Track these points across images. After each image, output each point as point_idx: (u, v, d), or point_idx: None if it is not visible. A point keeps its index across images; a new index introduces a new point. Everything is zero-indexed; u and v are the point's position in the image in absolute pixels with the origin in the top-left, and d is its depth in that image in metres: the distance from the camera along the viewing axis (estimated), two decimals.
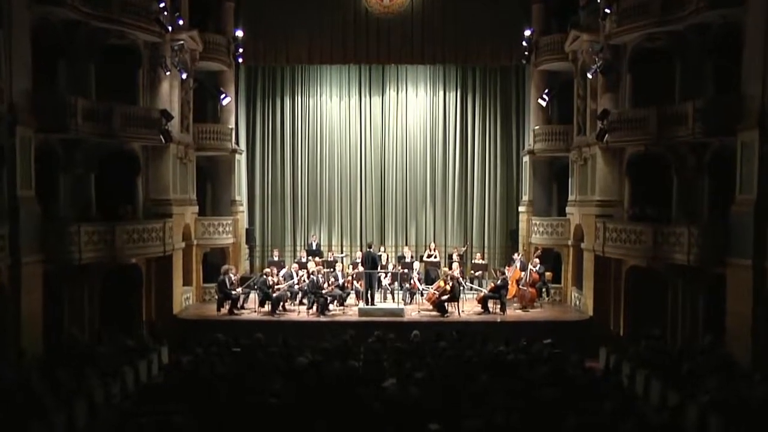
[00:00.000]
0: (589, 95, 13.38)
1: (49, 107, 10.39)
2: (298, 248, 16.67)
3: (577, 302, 13.92)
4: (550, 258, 14.76)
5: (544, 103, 14.95)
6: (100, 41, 11.86)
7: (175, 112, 13.17)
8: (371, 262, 12.98)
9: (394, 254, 16.42)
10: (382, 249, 15.75)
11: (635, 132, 11.77)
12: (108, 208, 11.98)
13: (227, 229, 14.87)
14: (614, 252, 12.10)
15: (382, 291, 13.85)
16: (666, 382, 8.56)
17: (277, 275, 13.32)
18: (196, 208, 14.50)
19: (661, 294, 11.83)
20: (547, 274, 14.04)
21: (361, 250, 16.30)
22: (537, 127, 15.21)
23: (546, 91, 14.88)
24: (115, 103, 11.69)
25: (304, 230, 17.00)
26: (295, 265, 14.03)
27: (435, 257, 15.41)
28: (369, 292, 12.86)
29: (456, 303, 12.82)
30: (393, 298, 13.82)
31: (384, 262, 14.38)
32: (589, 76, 13.06)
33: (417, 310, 13.06)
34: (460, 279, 13.26)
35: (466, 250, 15.64)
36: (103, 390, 8.40)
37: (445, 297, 12.69)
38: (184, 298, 13.78)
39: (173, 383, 7.68)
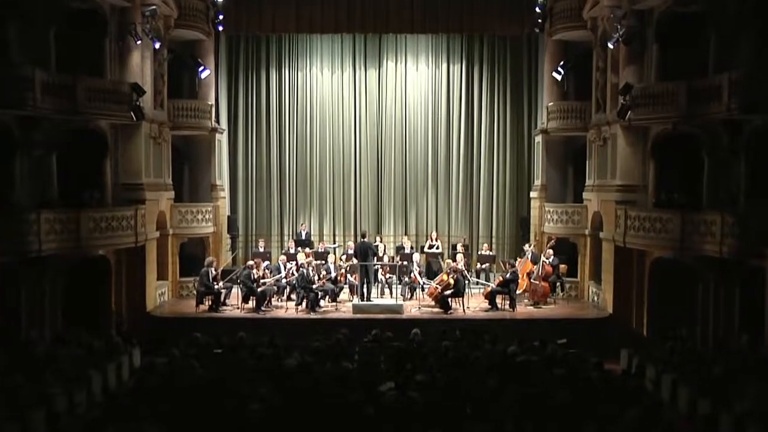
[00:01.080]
0: (610, 68, 13.27)
1: (1, 80, 10.13)
2: (285, 238, 16.68)
3: (595, 298, 13.91)
4: (565, 249, 14.72)
5: (559, 77, 14.86)
6: (61, 4, 11.62)
7: (148, 86, 13.03)
8: (366, 252, 12.93)
9: (392, 245, 16.43)
10: (379, 239, 15.72)
11: (662, 108, 11.68)
12: (72, 194, 11.84)
13: (207, 216, 14.80)
14: (637, 242, 12.06)
15: (379, 285, 13.85)
16: (696, 388, 8.50)
17: (263, 268, 13.30)
18: (171, 194, 14.42)
19: (690, 289, 11.79)
20: (562, 266, 13.97)
21: (355, 240, 16.28)
22: (551, 104, 15.13)
23: (561, 63, 14.78)
24: (79, 75, 11.49)
25: (292, 218, 17.00)
26: (283, 257, 14.01)
27: (437, 248, 15.42)
28: (367, 287, 12.84)
29: (460, 299, 12.84)
30: (391, 293, 13.83)
31: (381, 254, 14.37)
32: (610, 46, 12.96)
33: (417, 306, 13.08)
34: (465, 272, 13.25)
35: (465, 244, 15.62)
36: (66, 398, 8.26)
37: (448, 292, 12.70)
38: (159, 294, 13.74)
39: (146, 389, 7.60)
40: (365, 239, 13.41)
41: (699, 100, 11.14)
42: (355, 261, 13.41)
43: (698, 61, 11.74)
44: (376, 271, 13.61)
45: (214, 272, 12.89)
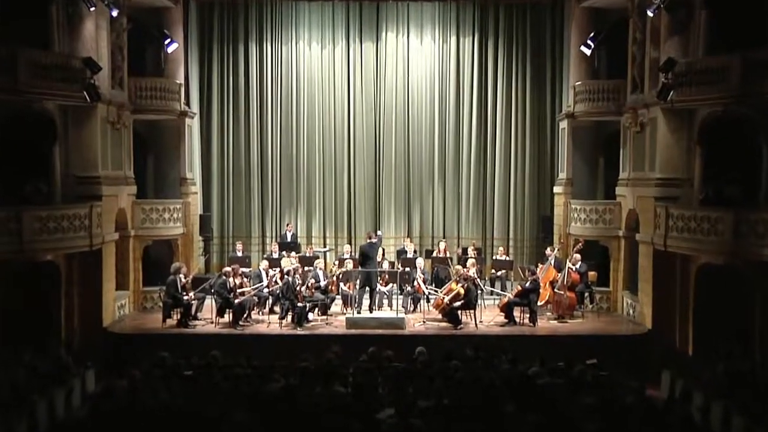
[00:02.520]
0: (650, 40, 13.22)
1: None
2: (268, 240, 16.72)
3: (631, 311, 13.89)
4: (595, 253, 14.72)
5: (588, 52, 14.85)
6: None
7: (104, 61, 12.95)
8: (365, 257, 12.91)
9: (393, 248, 16.43)
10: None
11: (711, 87, 11.61)
12: (13, 188, 11.76)
13: (175, 215, 14.78)
14: (680, 245, 12.02)
15: (377, 296, 13.78)
16: (753, 418, 8.40)
17: (241, 276, 13.27)
18: (133, 189, 14.39)
19: (744, 300, 11.71)
20: (591, 274, 13.95)
21: (349, 243, 16.21)
22: (578, 83, 15.11)
23: (591, 35, 14.76)
24: (21, 47, 11.36)
25: (276, 217, 17.05)
26: (265, 263, 13.99)
27: (444, 252, 15.26)
28: (370, 297, 12.89)
29: (472, 311, 12.82)
30: (391, 305, 13.76)
31: (379, 259, 14.30)
32: (650, 14, 12.91)
33: (422, 320, 13.03)
34: (477, 280, 13.24)
35: (477, 247, 15.58)
36: (5, 428, 8.14)
37: (458, 303, 12.66)
38: (118, 306, 13.72)
39: (101, 418, 7.50)
40: (372, 240, 13.29)
41: (756, 77, 11.04)
42: (349, 267, 13.35)
43: (755, 30, 11.63)
44: (375, 277, 13.57)
45: (183, 281, 12.83)
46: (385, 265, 14.38)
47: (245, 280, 13.31)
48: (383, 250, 15.28)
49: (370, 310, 12.96)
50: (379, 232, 15.40)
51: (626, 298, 14.18)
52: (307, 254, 14.84)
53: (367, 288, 13.15)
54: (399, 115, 16.90)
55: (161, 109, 14.72)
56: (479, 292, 13.15)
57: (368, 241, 13.41)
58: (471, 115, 16.78)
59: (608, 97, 14.67)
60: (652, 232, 12.71)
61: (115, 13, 13.16)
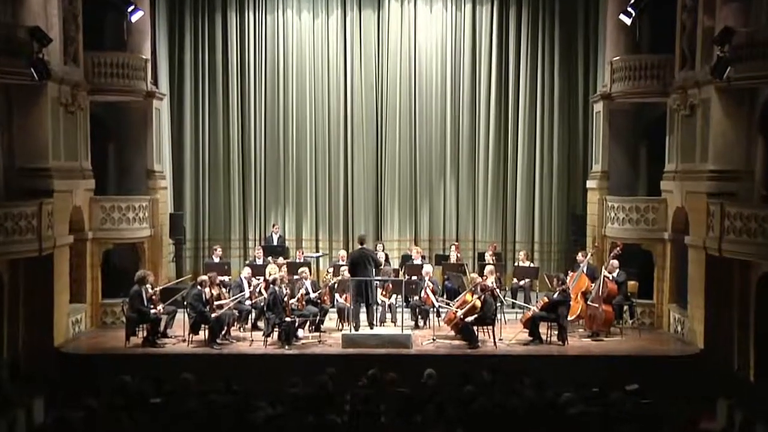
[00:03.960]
0: (702, 6, 13.12)
1: None
2: (250, 244, 16.84)
3: (679, 327, 13.85)
4: (636, 259, 14.65)
5: (628, 21, 14.78)
6: None
7: (55, 32, 12.86)
8: (363, 264, 12.78)
9: (397, 253, 16.46)
10: (380, 246, 15.77)
11: None
12: None
13: (141, 214, 14.76)
14: (738, 250, 11.94)
15: (379, 309, 13.75)
16: None
17: (219, 285, 13.26)
18: (91, 183, 14.35)
19: None
20: (631, 283, 13.91)
21: (345, 248, 16.15)
22: (616, 59, 15.07)
23: (632, 1, 14.65)
24: None
25: (259, 217, 17.13)
26: (247, 270, 13.96)
27: (457, 258, 15.36)
28: (366, 310, 12.79)
29: (490, 327, 12.79)
30: (394, 320, 13.71)
31: (382, 265, 14.28)
32: None
33: (431, 337, 13.00)
34: (496, 291, 13.22)
35: (496, 252, 15.60)
36: None
37: (473, 318, 12.60)
38: (73, 322, 13.69)
39: None
40: (364, 246, 13.26)
41: None
42: (346, 275, 13.32)
43: None
44: (375, 288, 13.56)
45: (150, 292, 12.80)
46: (389, 273, 14.30)
47: (224, 290, 13.28)
48: (386, 255, 15.29)
49: (371, 325, 12.84)
50: (379, 248, 15.32)
51: (673, 313, 14.12)
52: (297, 260, 14.85)
53: (363, 303, 13.00)
54: (404, 97, 16.94)
55: (124, 89, 14.66)
56: (498, 304, 13.11)
57: (359, 247, 13.31)
58: (489, 96, 16.80)
59: (652, 74, 14.57)
60: (704, 234, 12.65)
61: None
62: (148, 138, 15.29)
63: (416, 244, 16.19)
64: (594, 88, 16.15)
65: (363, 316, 13.22)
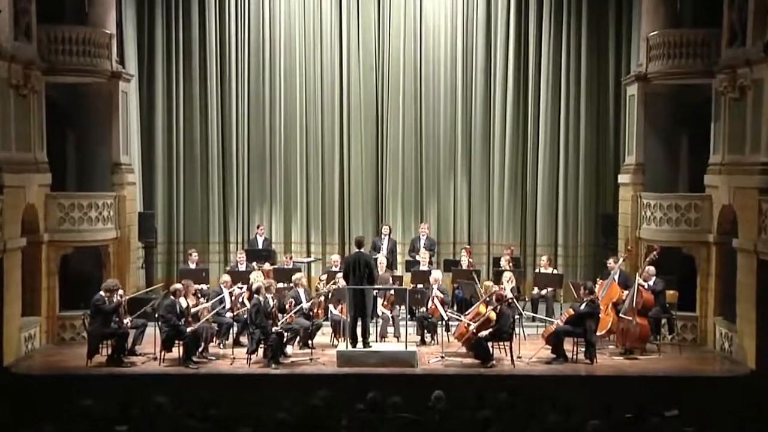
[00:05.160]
0: None
1: None
2: (231, 248, 16.93)
3: (726, 344, 13.82)
4: (676, 265, 14.70)
5: None
6: None
7: (3, 1, 12.81)
8: (362, 270, 12.71)
9: (400, 258, 16.45)
10: (385, 240, 15.89)
11: None
12: None
13: (105, 214, 14.74)
14: None
15: (380, 322, 13.72)
16: None
17: (196, 295, 13.29)
18: (48, 178, 14.37)
19: None
20: (670, 293, 13.92)
21: (341, 252, 16.19)
22: (654, 34, 15.06)
23: None
24: None
25: (242, 217, 17.24)
26: (227, 278, 13.95)
27: (469, 263, 15.37)
28: (362, 324, 12.71)
29: (507, 343, 12.77)
30: (397, 335, 13.74)
31: (382, 272, 14.29)
32: None
33: (439, 354, 13.00)
34: (514, 301, 13.23)
35: (514, 257, 15.61)
36: None
37: (487, 332, 12.59)
38: (25, 337, 13.66)
39: None
40: (361, 250, 13.23)
41: None
42: (342, 283, 13.27)
43: None
44: (375, 298, 13.52)
45: (116, 302, 12.75)
46: (389, 280, 14.30)
47: (201, 300, 13.28)
48: (387, 260, 15.28)
49: (363, 342, 12.69)
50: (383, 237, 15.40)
51: (719, 327, 14.09)
52: (285, 266, 14.88)
53: (359, 318, 12.85)
54: (408, 79, 16.98)
55: (85, 68, 14.61)
56: (517, 317, 13.11)
57: (356, 251, 13.24)
58: (506, 78, 16.84)
59: (695, 52, 14.56)
60: (755, 236, 12.64)
61: None
62: (113, 126, 15.25)
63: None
64: (627, 68, 16.16)
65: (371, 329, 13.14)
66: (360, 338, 12.64)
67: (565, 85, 16.69)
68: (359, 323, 12.68)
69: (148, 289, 14.99)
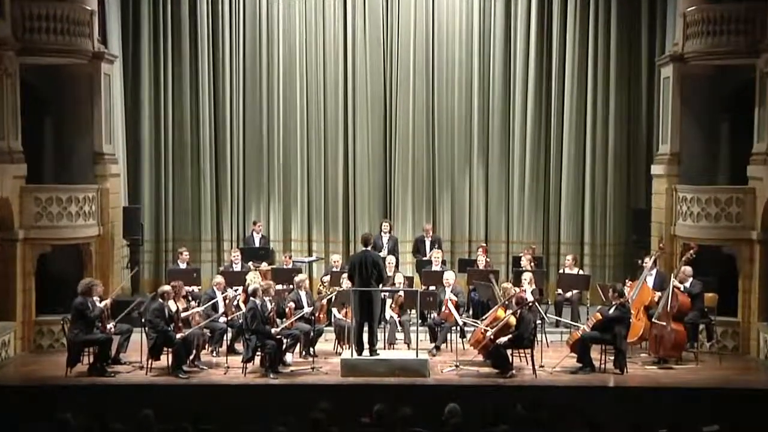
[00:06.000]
0: None
1: None
2: (225, 246, 17.03)
3: None
4: (715, 265, 14.64)
5: None
6: None
7: None
8: (369, 270, 12.68)
9: (409, 257, 16.46)
10: (385, 237, 15.87)
11: None
12: None
13: (87, 208, 14.74)
14: None
15: (388, 328, 13.73)
16: None
17: (186, 298, 13.34)
18: (23, 169, 14.39)
19: None
20: (708, 296, 13.89)
21: (345, 251, 16.29)
22: (691, 9, 15.01)
23: None
24: None
25: (237, 212, 17.32)
26: (220, 279, 13.96)
27: (486, 263, 15.39)
28: (369, 330, 12.70)
29: (528, 350, 12.80)
30: (407, 341, 13.77)
31: (390, 273, 14.31)
32: None
33: (453, 363, 13.02)
34: (536, 305, 13.23)
35: (535, 256, 15.62)
36: None
37: (506, 338, 12.59)
38: None
39: None
40: (368, 248, 13.22)
41: None
42: (347, 284, 13.32)
43: None
44: (384, 301, 13.53)
45: (99, 306, 12.78)
46: (399, 282, 14.31)
47: (192, 304, 13.32)
48: (396, 259, 15.31)
49: (370, 350, 12.66)
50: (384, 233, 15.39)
51: (763, 334, 14.06)
52: (284, 266, 14.88)
53: (366, 323, 12.83)
54: (420, 59, 17.00)
55: (63, 48, 14.53)
56: (539, 322, 13.12)
57: (363, 249, 13.22)
58: (527, 58, 16.86)
59: (738, 29, 14.44)
60: None
61: None
62: (95, 112, 15.23)
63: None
64: (662, 48, 16.09)
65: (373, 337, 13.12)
66: (366, 345, 12.63)
67: (593, 66, 16.66)
68: (365, 329, 12.68)
69: (133, 293, 15.03)
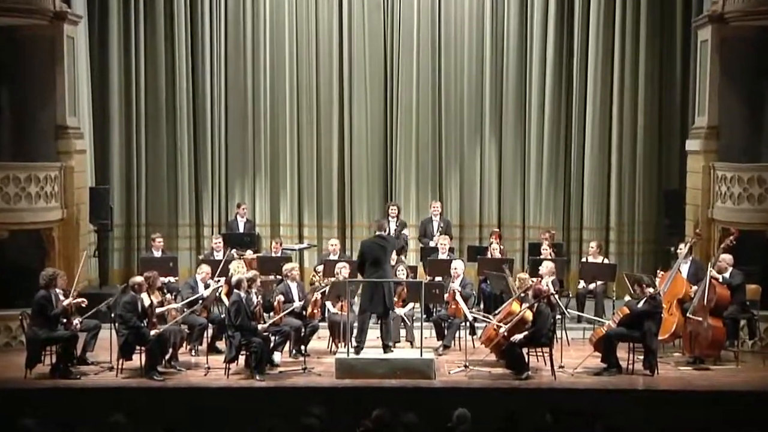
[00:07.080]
0: None
1: None
2: (206, 231, 17.21)
3: None
4: (758, 253, 14.68)
5: None
6: None
7: None
8: (381, 259, 12.74)
9: (413, 243, 16.55)
10: (392, 223, 15.94)
11: None
12: None
13: (48, 189, 14.82)
14: None
15: (390, 325, 13.51)
16: None
17: (161, 290, 13.36)
18: None
19: None
20: (750, 288, 13.89)
21: (341, 236, 16.33)
22: None
23: None
24: None
25: (218, 193, 17.42)
26: (206, 268, 14.03)
27: (501, 251, 15.43)
28: (381, 326, 12.84)
29: (547, 349, 12.80)
30: (411, 339, 13.82)
31: (393, 262, 14.28)
32: None
33: (462, 363, 13.05)
34: (555, 297, 13.25)
35: (555, 242, 15.65)
36: None
37: (521, 336, 12.62)
38: None
39: None
40: (384, 233, 13.28)
41: None
42: (345, 274, 13.44)
43: None
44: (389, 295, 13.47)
45: (63, 299, 12.80)
46: (400, 273, 14.32)
47: (168, 297, 13.34)
48: (405, 242, 15.41)
49: (385, 348, 12.74)
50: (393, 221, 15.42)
51: None
52: (273, 254, 14.89)
53: (374, 315, 12.97)
54: (425, 19, 17.09)
55: (20, 7, 14.57)
56: (558, 317, 13.16)
57: (377, 233, 13.24)
58: (545, 18, 16.90)
59: None
60: None
61: None
62: (57, 80, 15.25)
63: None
64: (699, 7, 16.01)
65: (372, 333, 13.18)
66: (382, 341, 12.72)
67: (620, 26, 16.63)
68: (369, 323, 12.79)
69: (102, 285, 15.06)
